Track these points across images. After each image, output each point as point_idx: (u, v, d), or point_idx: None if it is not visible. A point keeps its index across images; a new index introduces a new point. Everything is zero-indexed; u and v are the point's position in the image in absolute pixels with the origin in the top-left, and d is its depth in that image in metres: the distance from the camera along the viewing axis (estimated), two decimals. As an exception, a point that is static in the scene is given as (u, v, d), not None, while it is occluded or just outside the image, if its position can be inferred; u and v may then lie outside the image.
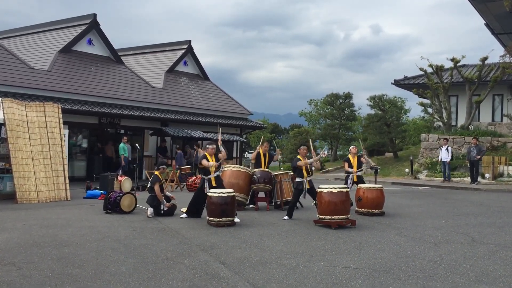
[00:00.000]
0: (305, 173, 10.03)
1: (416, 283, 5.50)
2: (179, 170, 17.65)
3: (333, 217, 8.91)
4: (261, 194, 12.14)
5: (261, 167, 11.97)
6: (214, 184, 9.88)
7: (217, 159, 10.03)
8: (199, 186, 10.45)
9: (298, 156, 10.26)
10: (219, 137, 10.78)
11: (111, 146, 20.98)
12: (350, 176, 11.94)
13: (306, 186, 10.00)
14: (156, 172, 10.72)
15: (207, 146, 10.32)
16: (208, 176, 9.97)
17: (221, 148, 10.21)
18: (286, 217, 10.07)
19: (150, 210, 10.19)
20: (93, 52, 22.13)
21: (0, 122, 12.77)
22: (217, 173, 10.07)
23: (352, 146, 12.86)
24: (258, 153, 12.27)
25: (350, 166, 12.00)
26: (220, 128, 10.86)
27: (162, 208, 10.26)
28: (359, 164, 12.04)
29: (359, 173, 11.94)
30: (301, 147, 10.51)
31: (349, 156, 12.19)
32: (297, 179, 10.12)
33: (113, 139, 21.62)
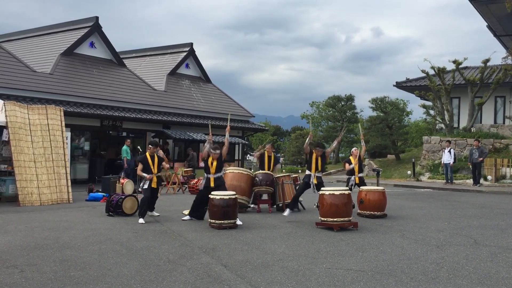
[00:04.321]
0: (313, 167, 9.99)
1: (418, 285, 5.49)
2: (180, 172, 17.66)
3: (335, 219, 8.90)
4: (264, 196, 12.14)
5: (264, 169, 11.98)
6: (212, 185, 9.83)
7: (218, 163, 10.00)
8: (200, 187, 10.44)
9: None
10: (228, 127, 10.85)
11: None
12: (352, 178, 11.96)
13: (314, 181, 9.95)
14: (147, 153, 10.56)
15: (211, 151, 10.25)
16: (208, 175, 9.94)
17: (227, 135, 10.55)
18: (286, 211, 10.07)
19: (141, 220, 9.86)
20: (95, 55, 22.17)
21: (3, 125, 12.79)
22: (218, 174, 10.03)
23: (354, 148, 12.85)
24: (263, 154, 12.33)
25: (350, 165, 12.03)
26: (229, 117, 11.23)
27: (141, 185, 10.24)
28: (360, 167, 12.04)
29: (361, 175, 11.95)
30: (317, 148, 10.33)
31: (351, 157, 12.19)
32: (306, 172, 10.09)
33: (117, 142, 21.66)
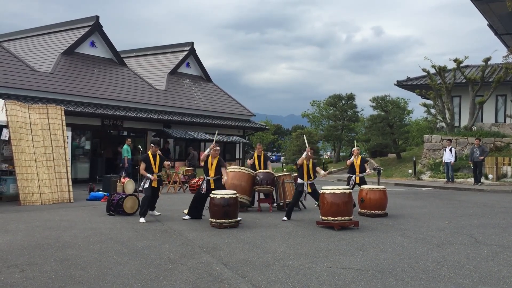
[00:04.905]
0: (305, 176, 9.98)
1: (419, 284, 5.48)
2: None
3: (335, 218, 8.90)
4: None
5: (255, 169, 11.98)
6: (212, 186, 9.86)
7: (217, 166, 10.01)
8: (202, 191, 10.46)
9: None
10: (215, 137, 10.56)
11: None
12: (353, 177, 11.93)
13: (308, 189, 9.97)
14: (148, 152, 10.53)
15: (211, 147, 10.32)
16: (207, 178, 9.99)
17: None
18: (285, 218, 10.07)
19: (142, 219, 9.84)
20: (95, 54, 22.18)
21: (3, 124, 12.80)
22: (218, 176, 10.05)
23: (355, 147, 12.82)
24: (252, 155, 12.43)
25: (353, 166, 11.99)
26: (217, 132, 10.88)
27: (142, 185, 10.24)
28: (362, 167, 11.98)
29: (361, 175, 11.91)
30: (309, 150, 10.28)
31: (353, 157, 12.18)
32: (299, 180, 10.12)
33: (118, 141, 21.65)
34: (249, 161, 12.58)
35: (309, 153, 10.09)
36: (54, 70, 19.62)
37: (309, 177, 10.01)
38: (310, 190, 9.97)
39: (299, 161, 10.07)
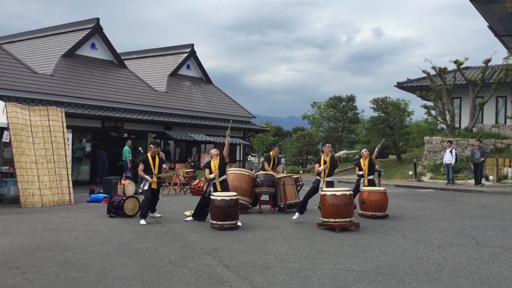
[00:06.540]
0: (322, 173, 10.07)
1: (420, 286, 5.48)
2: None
3: (336, 220, 8.89)
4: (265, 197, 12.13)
5: (268, 170, 12.04)
6: (219, 189, 9.89)
7: (221, 166, 10.04)
8: (205, 189, 10.49)
9: (323, 156, 10.28)
10: (228, 131, 10.58)
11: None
12: (361, 180, 11.76)
13: (323, 186, 10.00)
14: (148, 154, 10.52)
15: (210, 151, 10.39)
16: (213, 181, 10.02)
17: (227, 138, 10.34)
18: (296, 215, 10.10)
19: (143, 221, 9.82)
20: (96, 56, 22.18)
21: (4, 126, 12.80)
22: (223, 177, 10.08)
23: (364, 149, 12.67)
24: (269, 157, 12.46)
25: (360, 169, 11.86)
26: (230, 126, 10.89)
27: (142, 186, 10.23)
28: (371, 168, 11.78)
29: (371, 177, 11.71)
30: (326, 144, 10.47)
31: (361, 160, 11.98)
32: (317, 176, 10.26)
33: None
34: (266, 165, 12.38)
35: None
36: (55, 72, 19.62)
37: (325, 174, 10.05)
38: (326, 188, 9.96)
39: (317, 169, 10.21)
